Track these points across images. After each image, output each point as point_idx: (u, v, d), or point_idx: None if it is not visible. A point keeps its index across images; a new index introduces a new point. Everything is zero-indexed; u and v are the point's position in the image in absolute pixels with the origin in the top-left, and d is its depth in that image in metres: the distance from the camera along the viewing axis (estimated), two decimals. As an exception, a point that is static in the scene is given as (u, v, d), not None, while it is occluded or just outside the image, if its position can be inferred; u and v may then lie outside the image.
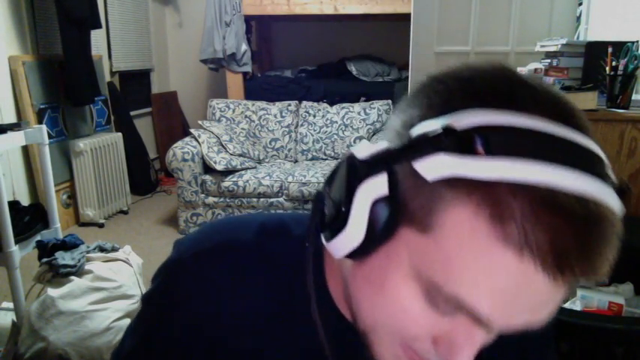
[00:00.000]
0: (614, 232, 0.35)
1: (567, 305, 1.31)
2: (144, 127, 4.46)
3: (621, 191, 0.36)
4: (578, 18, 2.73)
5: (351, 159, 0.38)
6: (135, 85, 4.44)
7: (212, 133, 3.45)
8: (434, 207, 0.35)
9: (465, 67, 0.40)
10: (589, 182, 0.33)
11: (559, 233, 0.33)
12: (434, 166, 0.34)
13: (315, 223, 0.43)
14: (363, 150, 0.38)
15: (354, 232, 0.38)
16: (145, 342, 0.55)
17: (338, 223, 0.39)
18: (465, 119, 0.34)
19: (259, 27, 4.77)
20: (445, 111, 0.36)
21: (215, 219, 3.28)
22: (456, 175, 0.33)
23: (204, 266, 0.51)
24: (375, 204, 0.37)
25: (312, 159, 3.79)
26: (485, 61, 0.41)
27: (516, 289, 0.34)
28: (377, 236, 0.37)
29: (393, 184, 0.37)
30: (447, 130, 0.34)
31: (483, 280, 0.34)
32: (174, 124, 4.85)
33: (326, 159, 3.77)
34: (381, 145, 0.38)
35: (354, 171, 0.38)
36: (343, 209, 0.38)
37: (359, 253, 0.39)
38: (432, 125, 0.35)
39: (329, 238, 0.40)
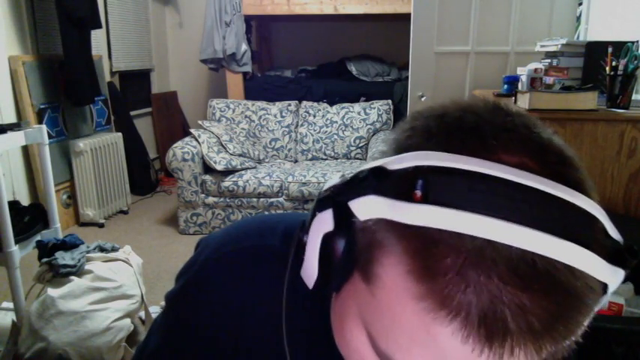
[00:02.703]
0: (579, 307, 0.29)
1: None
2: (144, 127, 4.46)
3: (620, 254, 0.31)
4: (578, 18, 2.73)
5: (320, 192, 0.38)
6: (135, 85, 4.44)
7: (212, 133, 3.45)
8: (373, 254, 0.33)
9: (449, 102, 0.37)
10: (547, 241, 0.28)
11: (490, 298, 0.27)
12: (365, 207, 0.32)
13: (295, 251, 0.43)
14: (327, 183, 0.38)
15: (310, 266, 0.37)
16: (168, 341, 0.56)
17: (302, 254, 0.39)
18: (410, 160, 0.32)
19: (259, 27, 4.76)
20: (403, 149, 0.34)
21: (214, 218, 3.28)
22: (386, 218, 0.31)
23: (229, 270, 0.52)
24: (327, 240, 0.36)
25: (312, 159, 3.79)
26: (482, 97, 0.38)
27: (446, 356, 0.30)
28: (333, 274, 0.36)
29: (338, 220, 0.35)
30: (378, 171, 0.32)
31: (410, 344, 0.31)
32: (174, 124, 4.85)
33: (326, 159, 3.77)
34: (336, 179, 0.37)
35: (314, 203, 0.38)
36: (304, 240, 0.38)
37: (326, 287, 0.38)
38: (378, 164, 0.33)
39: (300, 268, 0.40)
